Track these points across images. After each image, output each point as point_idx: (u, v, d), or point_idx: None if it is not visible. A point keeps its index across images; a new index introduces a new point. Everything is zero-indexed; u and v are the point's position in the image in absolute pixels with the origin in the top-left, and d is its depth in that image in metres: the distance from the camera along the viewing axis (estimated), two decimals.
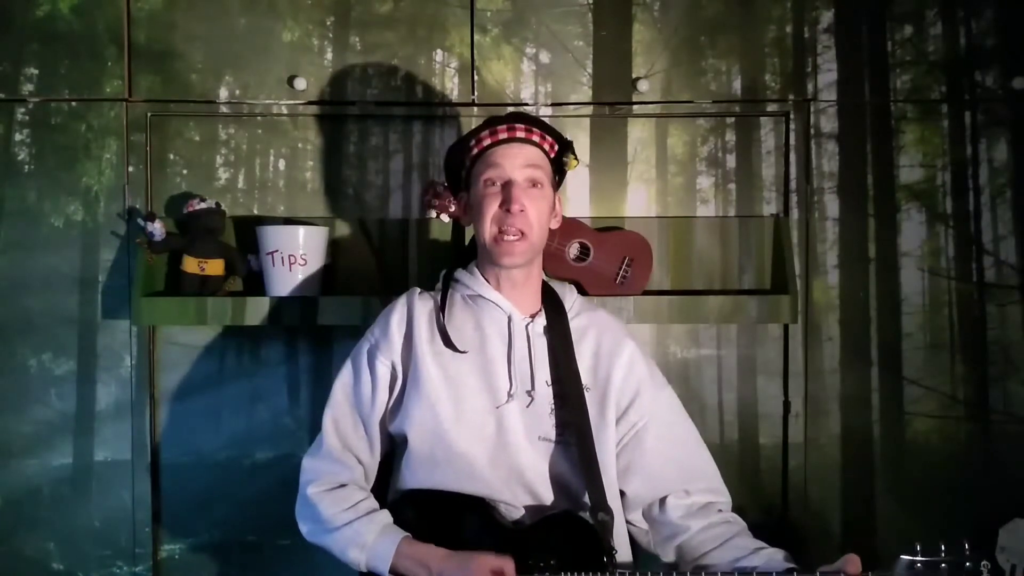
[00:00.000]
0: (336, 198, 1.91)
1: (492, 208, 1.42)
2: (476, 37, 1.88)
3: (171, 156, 1.89)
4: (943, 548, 1.17)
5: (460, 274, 1.50)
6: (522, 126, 1.45)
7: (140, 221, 1.81)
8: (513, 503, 1.40)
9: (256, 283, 1.85)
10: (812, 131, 1.92)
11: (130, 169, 1.86)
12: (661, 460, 1.46)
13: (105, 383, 1.87)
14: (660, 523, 1.45)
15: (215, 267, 1.83)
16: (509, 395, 1.41)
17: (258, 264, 1.83)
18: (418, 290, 1.51)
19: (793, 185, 1.92)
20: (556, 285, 1.54)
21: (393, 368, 1.45)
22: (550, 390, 1.43)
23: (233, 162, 1.90)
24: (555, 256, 1.82)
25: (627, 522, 1.47)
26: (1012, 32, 1.91)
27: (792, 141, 1.92)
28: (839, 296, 1.93)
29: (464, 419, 1.40)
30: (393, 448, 1.50)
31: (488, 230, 1.42)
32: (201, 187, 1.89)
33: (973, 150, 1.93)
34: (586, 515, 1.38)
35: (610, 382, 1.45)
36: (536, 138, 1.46)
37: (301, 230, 1.79)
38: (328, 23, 1.88)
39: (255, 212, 1.90)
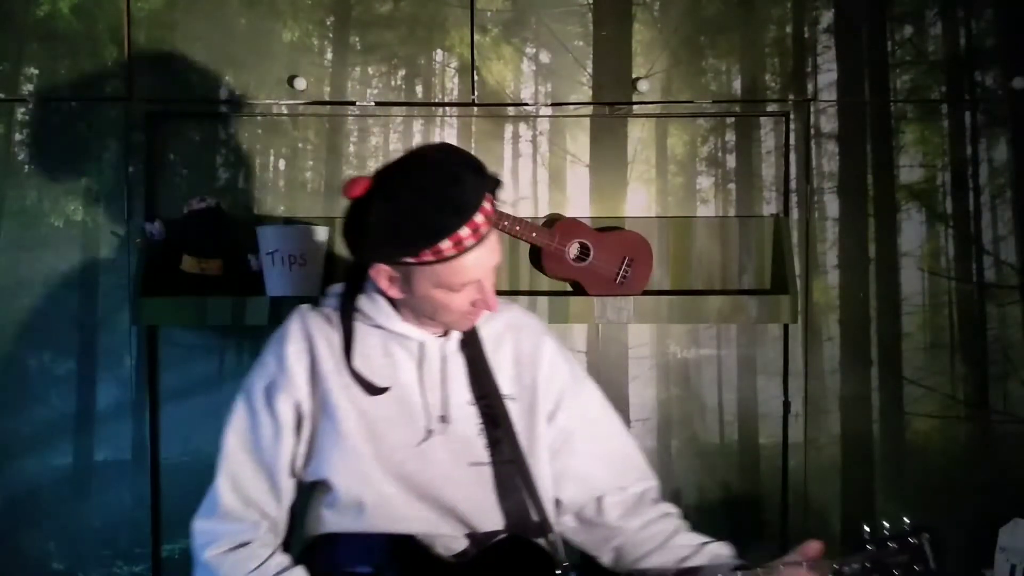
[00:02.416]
0: (336, 198, 1.91)
1: (458, 307, 1.23)
2: (476, 37, 1.88)
3: (171, 156, 1.89)
4: (886, 527, 1.15)
5: (361, 303, 1.30)
6: (482, 220, 1.17)
7: (140, 221, 1.81)
8: (453, 534, 1.29)
9: (256, 283, 1.85)
10: (812, 131, 1.92)
11: (130, 169, 1.86)
12: (593, 461, 1.38)
13: (105, 383, 1.87)
14: (596, 525, 1.37)
15: (215, 267, 1.83)
16: (428, 431, 1.28)
17: (258, 264, 1.83)
18: (307, 308, 1.33)
19: (793, 185, 1.92)
20: None
21: (298, 408, 1.27)
22: (474, 409, 1.30)
23: (233, 162, 1.90)
24: (555, 256, 1.82)
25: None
26: (1012, 32, 1.92)
27: (792, 141, 1.92)
28: (839, 296, 1.93)
29: (383, 456, 1.26)
30: (299, 491, 1.34)
31: (444, 318, 1.26)
32: (201, 187, 1.88)
33: (973, 150, 1.93)
34: (531, 535, 1.30)
35: (536, 388, 1.35)
36: (494, 218, 1.21)
37: (301, 230, 1.79)
38: (328, 23, 1.88)
39: (255, 212, 1.91)
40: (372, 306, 1.29)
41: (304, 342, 1.29)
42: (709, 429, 1.92)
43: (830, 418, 1.92)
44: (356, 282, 1.31)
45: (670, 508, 1.40)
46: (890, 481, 1.92)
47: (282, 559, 1.25)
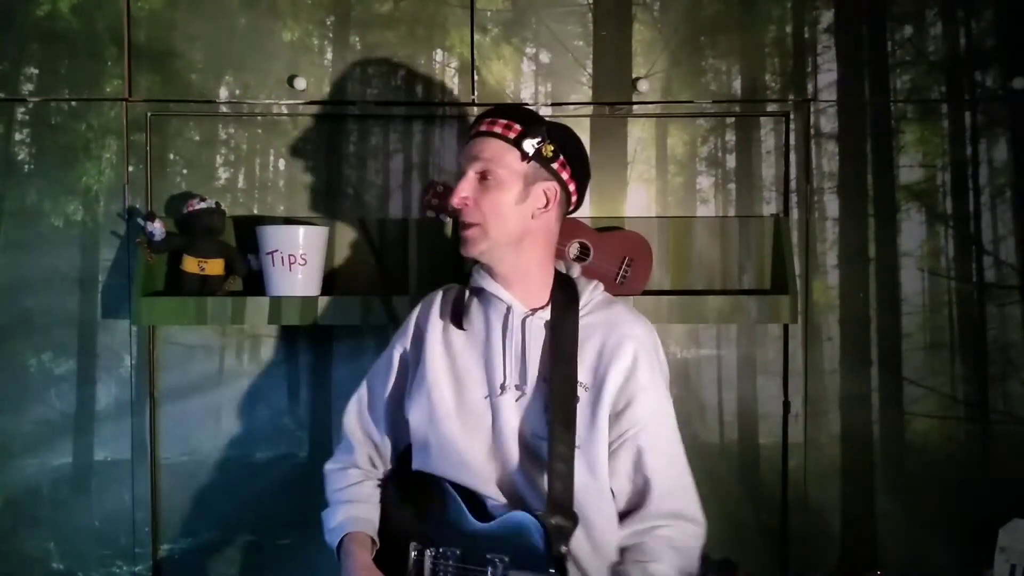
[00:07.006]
0: (336, 198, 1.91)
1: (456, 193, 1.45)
2: (476, 37, 1.88)
3: (171, 156, 1.89)
4: None
5: (473, 271, 1.53)
6: (489, 119, 1.44)
7: (140, 221, 1.81)
8: (497, 499, 1.39)
9: (256, 283, 1.85)
10: (812, 131, 1.92)
11: (130, 169, 1.86)
12: (630, 479, 1.41)
13: (105, 383, 1.87)
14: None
15: (215, 267, 1.83)
16: (502, 387, 1.41)
17: (258, 264, 1.83)
18: (455, 286, 1.55)
19: (793, 185, 1.92)
20: (582, 282, 1.51)
21: (405, 352, 1.51)
22: (545, 387, 1.40)
23: (233, 162, 1.90)
24: (555, 256, 1.82)
25: None
26: (1012, 32, 1.91)
27: (792, 141, 1.92)
28: (839, 296, 1.93)
29: (464, 409, 1.42)
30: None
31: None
32: (201, 187, 1.89)
33: (973, 150, 1.93)
34: (548, 515, 1.33)
35: (605, 383, 1.40)
36: (498, 129, 1.41)
37: (301, 230, 1.79)
38: (328, 23, 1.88)
39: (255, 212, 1.91)
40: (477, 272, 1.51)
41: (427, 308, 1.53)
42: (709, 429, 1.92)
43: (830, 418, 1.92)
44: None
45: (659, 547, 1.37)
46: (890, 481, 1.92)
47: (359, 490, 1.48)
